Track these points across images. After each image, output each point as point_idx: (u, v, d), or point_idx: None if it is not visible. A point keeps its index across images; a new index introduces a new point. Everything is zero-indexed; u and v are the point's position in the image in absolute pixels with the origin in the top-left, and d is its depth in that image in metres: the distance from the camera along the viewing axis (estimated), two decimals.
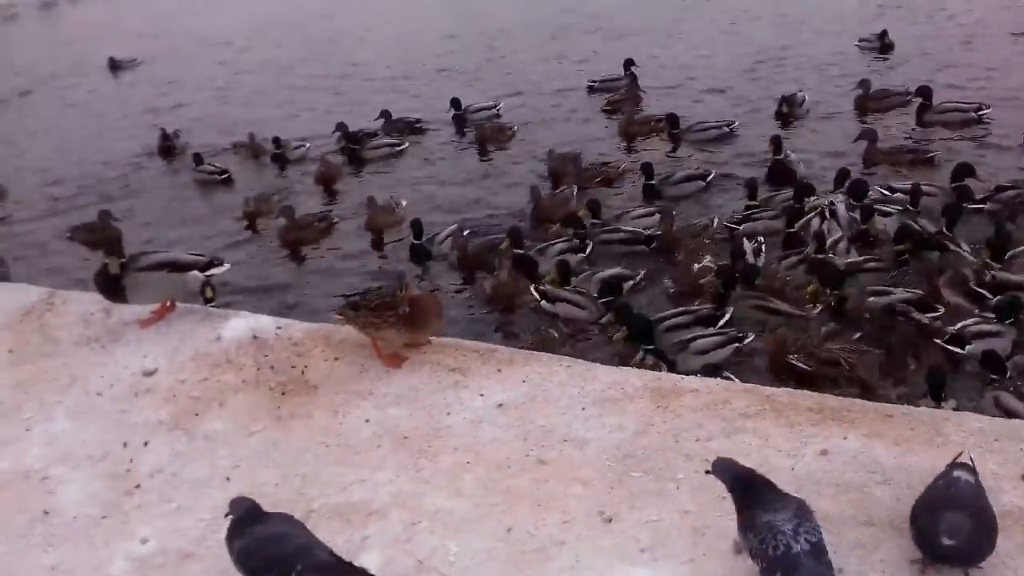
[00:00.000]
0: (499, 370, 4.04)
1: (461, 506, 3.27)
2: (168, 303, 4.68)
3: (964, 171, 9.20)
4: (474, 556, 3.05)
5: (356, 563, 3.05)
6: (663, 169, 10.71)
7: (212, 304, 6.54)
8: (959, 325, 6.74)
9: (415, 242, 9.39)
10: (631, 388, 3.82)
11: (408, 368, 4.10)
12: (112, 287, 4.46)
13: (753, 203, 9.48)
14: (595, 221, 9.33)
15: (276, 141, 12.58)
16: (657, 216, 9.30)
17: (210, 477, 3.55)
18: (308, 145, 12.73)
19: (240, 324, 4.61)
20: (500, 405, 3.79)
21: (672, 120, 11.95)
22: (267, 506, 3.34)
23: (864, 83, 12.29)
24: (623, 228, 9.25)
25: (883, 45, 14.53)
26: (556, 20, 19.36)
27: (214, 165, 12.29)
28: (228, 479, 3.53)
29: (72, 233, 10.70)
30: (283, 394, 4.01)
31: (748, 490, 2.75)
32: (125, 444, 3.79)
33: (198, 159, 12.28)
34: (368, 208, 10.30)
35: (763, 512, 2.65)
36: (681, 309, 7.52)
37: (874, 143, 10.64)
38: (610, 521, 3.13)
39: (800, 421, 3.47)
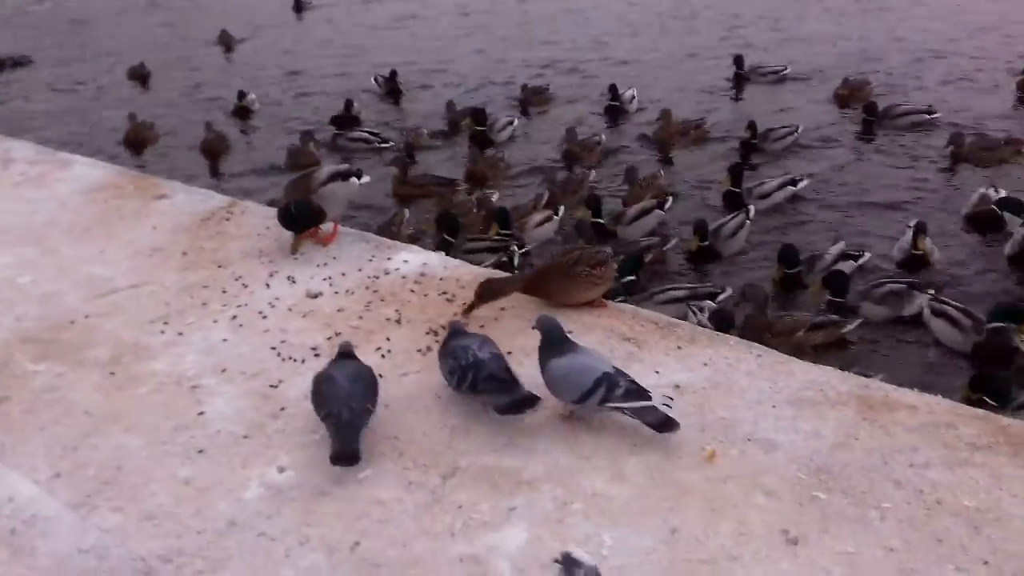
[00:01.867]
0: (679, 347, 3.60)
1: (622, 493, 2.88)
2: (336, 224, 4.64)
3: None
4: (631, 554, 2.66)
5: (499, 537, 2.75)
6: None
7: None
8: None
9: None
10: (832, 392, 3.29)
11: (579, 331, 3.73)
12: (297, 218, 4.45)
13: None
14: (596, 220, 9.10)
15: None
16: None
17: None
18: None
19: (409, 258, 4.40)
20: (677, 386, 3.36)
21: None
22: (410, 456, 3.10)
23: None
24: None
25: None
26: None
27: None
28: (376, 417, 3.28)
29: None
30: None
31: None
32: (280, 362, 3.64)
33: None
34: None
35: (455, 339, 3.33)
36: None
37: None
38: (795, 543, 2.65)
39: None
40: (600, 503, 2.85)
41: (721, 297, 7.55)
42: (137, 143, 12.28)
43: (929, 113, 11.48)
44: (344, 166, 4.73)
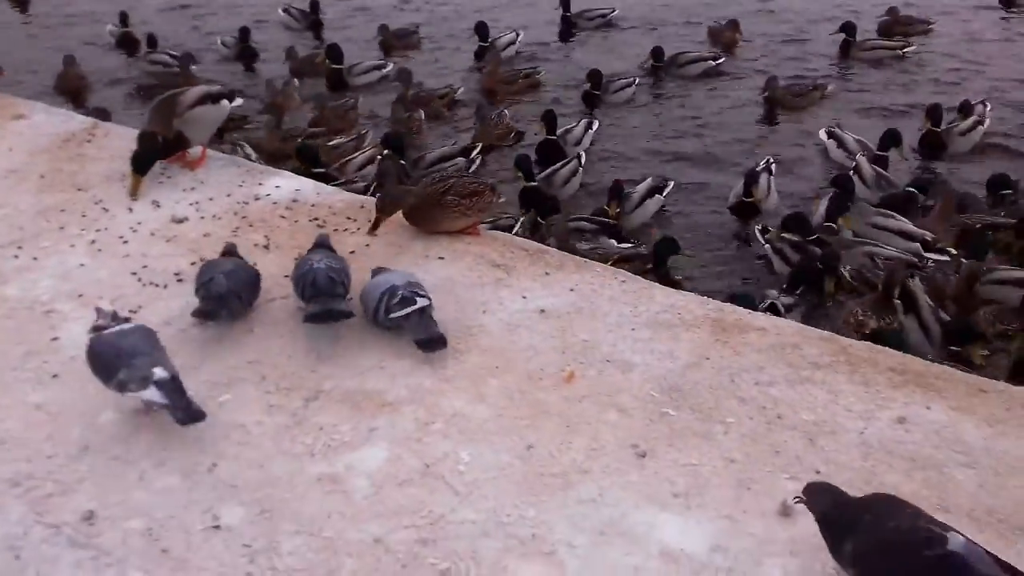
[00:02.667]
0: (547, 273, 3.66)
1: (481, 413, 2.94)
2: (204, 148, 4.48)
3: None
4: (487, 469, 2.73)
5: (358, 457, 2.78)
6: None
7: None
8: None
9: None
10: (689, 315, 3.41)
11: (449, 258, 3.75)
12: (163, 148, 4.27)
13: None
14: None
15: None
16: None
17: (219, 338, 3.27)
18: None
19: (281, 183, 4.31)
20: (542, 311, 3.43)
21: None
22: (271, 379, 3.09)
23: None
24: None
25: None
26: None
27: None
28: (239, 342, 3.25)
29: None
30: None
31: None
32: (141, 287, 3.54)
33: None
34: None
35: (308, 253, 3.45)
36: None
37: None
38: (643, 456, 2.77)
39: (878, 381, 3.04)
40: (459, 422, 2.91)
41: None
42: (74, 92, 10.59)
43: (715, 59, 10.98)
44: (216, 87, 4.55)
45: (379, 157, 8.31)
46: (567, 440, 2.84)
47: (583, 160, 8.51)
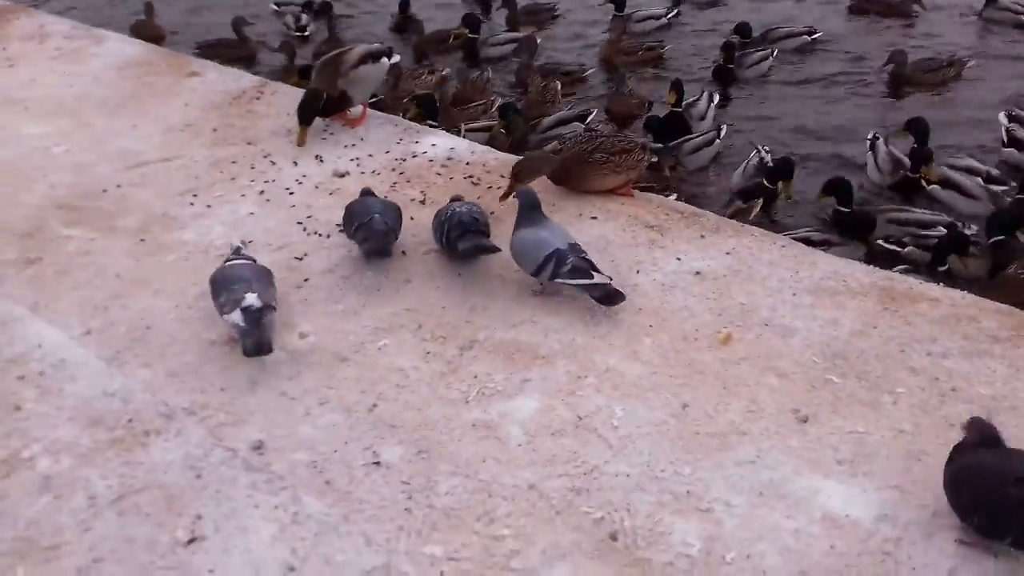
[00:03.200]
0: (702, 236, 3.58)
1: (635, 370, 2.91)
2: (365, 106, 4.63)
3: None
4: (640, 425, 2.70)
5: (512, 406, 2.81)
6: None
7: None
8: None
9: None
10: (855, 283, 3.27)
11: (602, 218, 3.72)
12: (326, 105, 4.41)
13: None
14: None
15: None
16: None
17: (378, 286, 3.36)
18: None
19: (437, 142, 4.38)
20: (697, 273, 3.36)
21: None
22: (427, 327, 3.15)
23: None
24: None
25: None
26: None
27: None
28: (397, 291, 3.33)
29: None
30: None
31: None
32: (306, 236, 3.68)
33: None
34: None
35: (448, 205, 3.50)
36: None
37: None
38: (805, 421, 2.68)
39: None
40: (613, 378, 2.89)
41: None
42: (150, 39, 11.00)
43: (810, 34, 10.01)
44: (376, 46, 4.65)
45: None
46: (724, 401, 2.78)
47: (722, 133, 7.99)
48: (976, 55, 9.45)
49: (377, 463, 2.63)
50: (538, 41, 10.04)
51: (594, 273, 3.13)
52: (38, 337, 3.10)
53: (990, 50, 9.85)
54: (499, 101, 8.78)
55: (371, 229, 3.36)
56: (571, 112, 8.52)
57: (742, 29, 10.02)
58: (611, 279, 3.17)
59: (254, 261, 3.24)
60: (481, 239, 3.34)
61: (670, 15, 10.99)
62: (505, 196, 3.72)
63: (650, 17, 11.03)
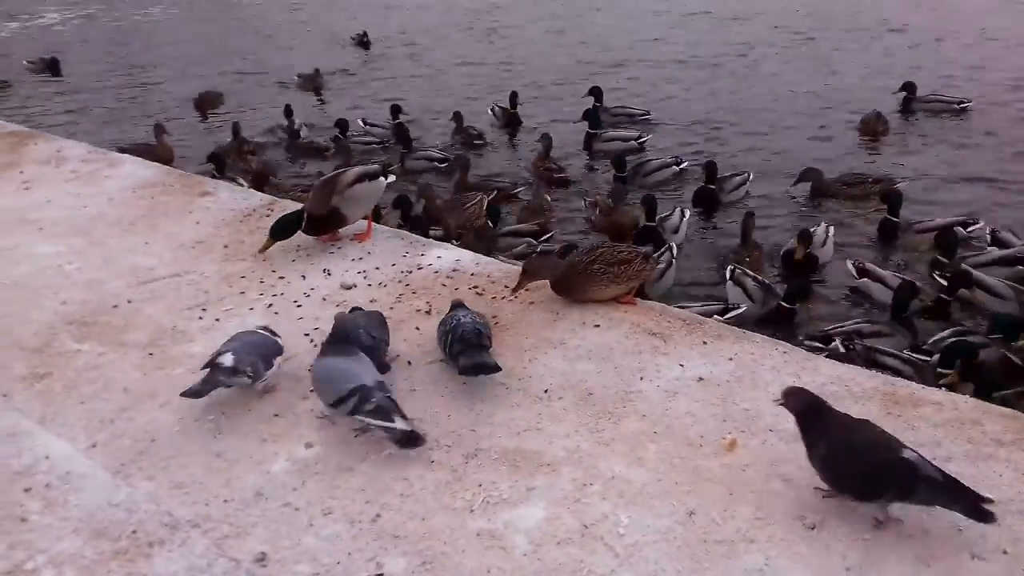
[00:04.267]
0: (704, 343, 3.63)
1: (640, 477, 2.91)
2: (370, 221, 4.77)
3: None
4: (646, 533, 2.68)
5: (517, 514, 2.79)
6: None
7: None
8: None
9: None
10: (858, 388, 3.29)
11: (605, 326, 3.77)
12: (318, 224, 4.56)
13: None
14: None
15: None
16: None
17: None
18: None
19: (442, 254, 4.48)
20: (700, 379, 3.38)
21: None
22: (432, 436, 3.16)
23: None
24: None
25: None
26: None
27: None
28: (402, 400, 3.34)
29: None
30: None
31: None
32: (312, 347, 3.73)
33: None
34: None
35: (451, 311, 3.63)
36: None
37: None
38: (812, 528, 2.66)
39: None
40: (618, 485, 2.88)
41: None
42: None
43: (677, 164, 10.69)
44: (373, 166, 4.82)
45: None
46: (730, 507, 2.76)
47: (675, 252, 8.11)
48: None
49: (381, 575, 2.60)
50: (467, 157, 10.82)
51: (396, 418, 3.01)
52: (45, 449, 3.12)
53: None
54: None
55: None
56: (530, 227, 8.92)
57: (618, 162, 10.35)
58: (411, 427, 3.03)
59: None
60: (483, 355, 3.38)
61: (640, 139, 11.67)
62: (516, 289, 3.85)
63: (618, 139, 11.56)
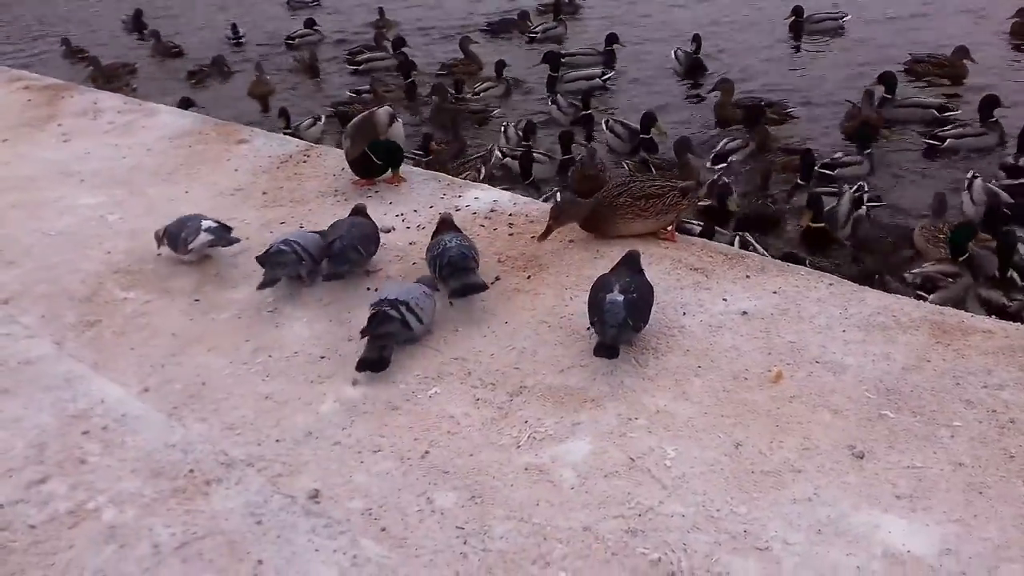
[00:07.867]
0: (747, 276, 3.60)
1: (686, 410, 2.91)
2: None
3: None
4: (693, 465, 2.69)
5: (564, 449, 2.81)
6: None
7: None
8: None
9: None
10: (905, 318, 3.25)
11: (646, 262, 3.73)
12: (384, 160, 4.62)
13: None
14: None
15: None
16: None
17: (426, 335, 3.41)
18: None
19: (480, 195, 4.47)
20: (744, 313, 3.36)
21: None
22: (476, 375, 3.18)
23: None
24: None
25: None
26: None
27: None
28: (445, 340, 3.38)
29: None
30: (512, 268, 3.80)
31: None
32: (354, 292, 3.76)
33: None
34: None
35: (437, 235, 3.72)
36: None
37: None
38: (861, 457, 2.65)
39: None
40: (664, 419, 2.89)
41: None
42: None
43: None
44: (388, 107, 4.91)
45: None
46: (777, 439, 2.76)
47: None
48: None
49: (432, 509, 2.64)
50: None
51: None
52: (100, 393, 3.19)
53: None
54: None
55: (331, 249, 3.70)
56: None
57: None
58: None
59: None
60: (470, 276, 3.49)
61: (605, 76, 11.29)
62: (543, 236, 3.82)
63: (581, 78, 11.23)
